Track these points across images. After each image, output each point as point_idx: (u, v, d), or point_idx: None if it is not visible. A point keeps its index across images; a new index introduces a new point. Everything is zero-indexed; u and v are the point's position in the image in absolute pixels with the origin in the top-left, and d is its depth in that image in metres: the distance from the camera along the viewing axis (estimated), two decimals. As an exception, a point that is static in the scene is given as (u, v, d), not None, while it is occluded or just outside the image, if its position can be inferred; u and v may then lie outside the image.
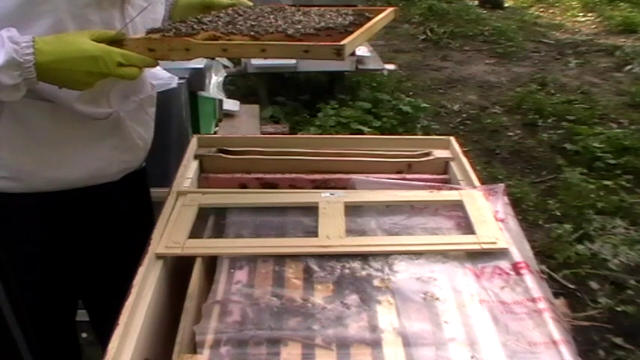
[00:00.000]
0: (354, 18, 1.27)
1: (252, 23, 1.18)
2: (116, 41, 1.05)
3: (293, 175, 1.44)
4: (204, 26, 1.14)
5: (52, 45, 0.98)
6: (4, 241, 1.18)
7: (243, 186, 1.44)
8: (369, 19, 1.27)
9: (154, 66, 1.08)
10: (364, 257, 1.08)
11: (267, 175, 1.45)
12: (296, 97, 4.59)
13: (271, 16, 1.26)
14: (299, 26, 1.15)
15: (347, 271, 1.05)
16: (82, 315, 1.51)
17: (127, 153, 1.30)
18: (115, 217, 1.37)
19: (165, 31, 1.11)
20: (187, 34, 1.08)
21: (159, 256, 1.07)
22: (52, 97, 1.11)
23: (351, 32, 1.12)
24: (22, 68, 0.96)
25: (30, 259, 1.25)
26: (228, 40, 1.07)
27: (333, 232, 1.13)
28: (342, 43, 1.01)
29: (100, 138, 1.23)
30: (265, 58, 1.02)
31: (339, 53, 0.99)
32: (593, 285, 2.68)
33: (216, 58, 2.88)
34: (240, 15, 1.28)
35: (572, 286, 2.67)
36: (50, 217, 1.24)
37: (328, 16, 1.29)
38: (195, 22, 1.18)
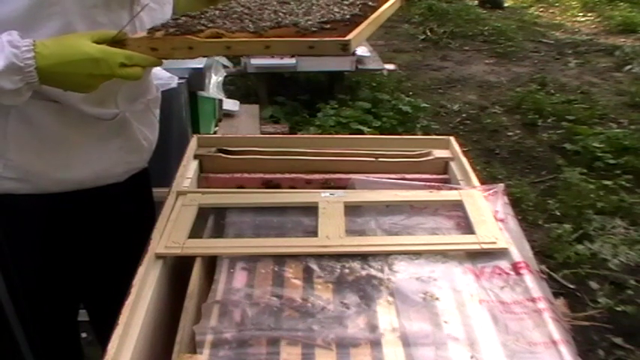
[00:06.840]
0: (359, 8, 1.22)
1: (256, 18, 1.14)
2: (118, 41, 1.03)
3: (293, 175, 1.44)
4: (207, 22, 1.11)
5: (52, 48, 0.97)
6: (9, 242, 1.18)
7: (243, 186, 1.43)
8: (374, 9, 1.23)
9: (158, 65, 1.06)
10: (364, 257, 1.08)
11: (267, 175, 1.45)
12: (296, 97, 4.59)
13: (273, 8, 1.22)
14: (301, 19, 1.11)
15: (347, 271, 1.05)
16: (81, 315, 1.51)
17: (132, 154, 1.30)
18: (119, 218, 1.37)
19: (168, 27, 1.09)
20: (190, 31, 1.06)
21: (159, 256, 1.07)
22: (58, 98, 1.11)
23: (357, 24, 1.07)
24: (23, 73, 0.95)
25: (34, 260, 1.25)
26: (232, 37, 1.05)
27: (332, 232, 1.13)
28: (347, 37, 0.98)
29: (106, 138, 1.23)
30: (270, 55, 1.01)
31: (345, 48, 0.97)
32: (593, 285, 2.68)
33: (216, 58, 2.88)
34: (244, 6, 1.24)
35: (572, 286, 2.66)
36: (56, 218, 1.24)
37: (331, 6, 1.24)
38: (198, 17, 1.15)
